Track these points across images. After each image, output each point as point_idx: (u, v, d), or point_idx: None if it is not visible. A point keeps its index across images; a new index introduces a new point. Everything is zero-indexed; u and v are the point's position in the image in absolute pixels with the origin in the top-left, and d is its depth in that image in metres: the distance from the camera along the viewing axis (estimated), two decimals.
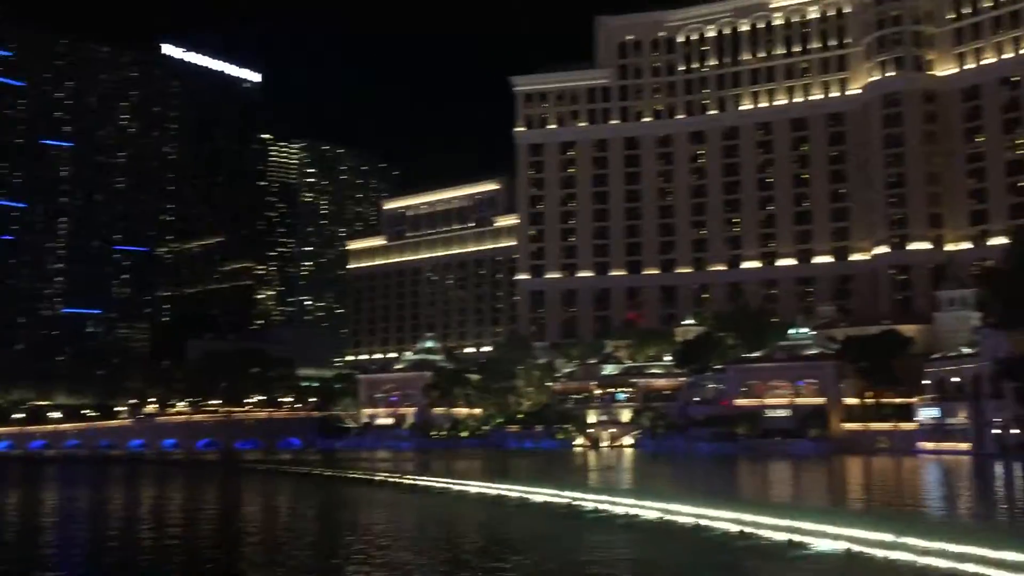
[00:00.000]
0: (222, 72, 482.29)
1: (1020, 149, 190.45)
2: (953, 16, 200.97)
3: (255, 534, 52.39)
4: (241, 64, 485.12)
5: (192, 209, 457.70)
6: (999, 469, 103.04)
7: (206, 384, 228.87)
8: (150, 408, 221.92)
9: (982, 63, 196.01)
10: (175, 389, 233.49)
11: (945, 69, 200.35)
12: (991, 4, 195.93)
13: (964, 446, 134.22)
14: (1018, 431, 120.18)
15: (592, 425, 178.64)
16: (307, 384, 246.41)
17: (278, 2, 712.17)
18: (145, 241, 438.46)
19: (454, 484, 74.10)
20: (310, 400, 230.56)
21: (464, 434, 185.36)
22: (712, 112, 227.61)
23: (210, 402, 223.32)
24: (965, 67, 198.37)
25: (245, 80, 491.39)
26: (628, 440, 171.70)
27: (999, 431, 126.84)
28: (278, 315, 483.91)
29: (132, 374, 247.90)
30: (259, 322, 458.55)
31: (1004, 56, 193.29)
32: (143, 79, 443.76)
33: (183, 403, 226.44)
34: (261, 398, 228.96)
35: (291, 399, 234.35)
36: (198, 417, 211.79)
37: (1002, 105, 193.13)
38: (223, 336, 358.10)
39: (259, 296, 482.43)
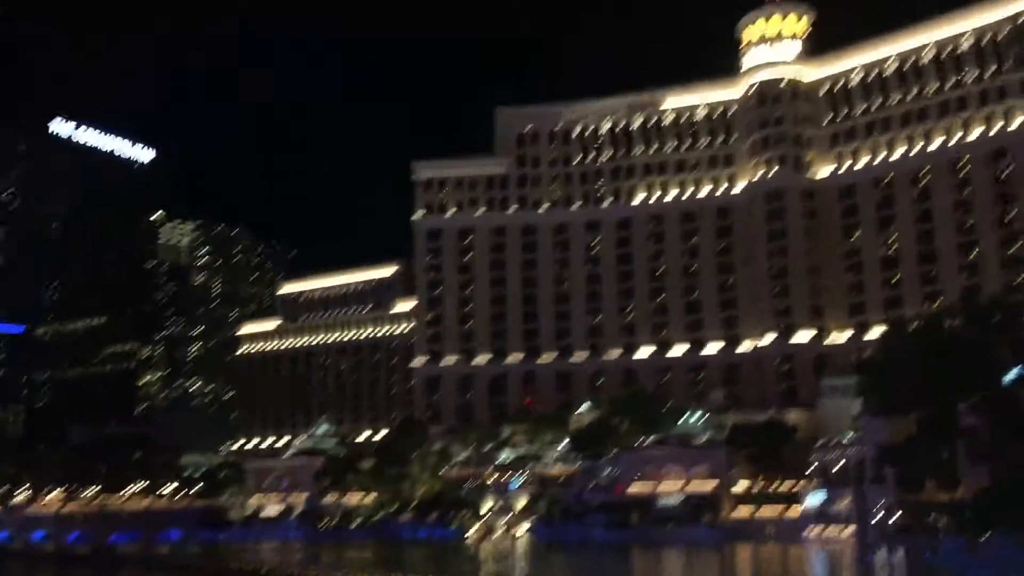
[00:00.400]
0: (115, 149, 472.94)
1: (892, 247, 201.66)
2: (830, 119, 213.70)
3: None
4: (135, 141, 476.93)
5: (76, 289, 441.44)
6: (881, 555, 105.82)
7: (85, 471, 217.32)
8: (21, 497, 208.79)
9: (857, 165, 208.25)
10: (51, 476, 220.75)
11: (823, 169, 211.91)
12: (863, 110, 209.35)
13: (848, 531, 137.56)
14: (899, 517, 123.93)
15: (487, 512, 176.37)
16: (192, 472, 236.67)
17: (175, 80, 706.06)
18: (23, 320, 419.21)
19: None
20: (194, 489, 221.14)
21: (356, 523, 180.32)
22: (607, 203, 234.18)
23: (87, 491, 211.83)
24: (842, 167, 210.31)
25: (138, 158, 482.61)
26: (523, 527, 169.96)
27: (881, 517, 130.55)
28: (164, 400, 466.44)
29: (4, 460, 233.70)
30: (143, 406, 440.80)
31: (876, 159, 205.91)
32: (30, 155, 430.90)
33: (58, 491, 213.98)
34: (143, 486, 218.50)
35: (174, 487, 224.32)
36: (72, 507, 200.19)
37: (876, 204, 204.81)
38: (105, 421, 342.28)
39: (144, 380, 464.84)
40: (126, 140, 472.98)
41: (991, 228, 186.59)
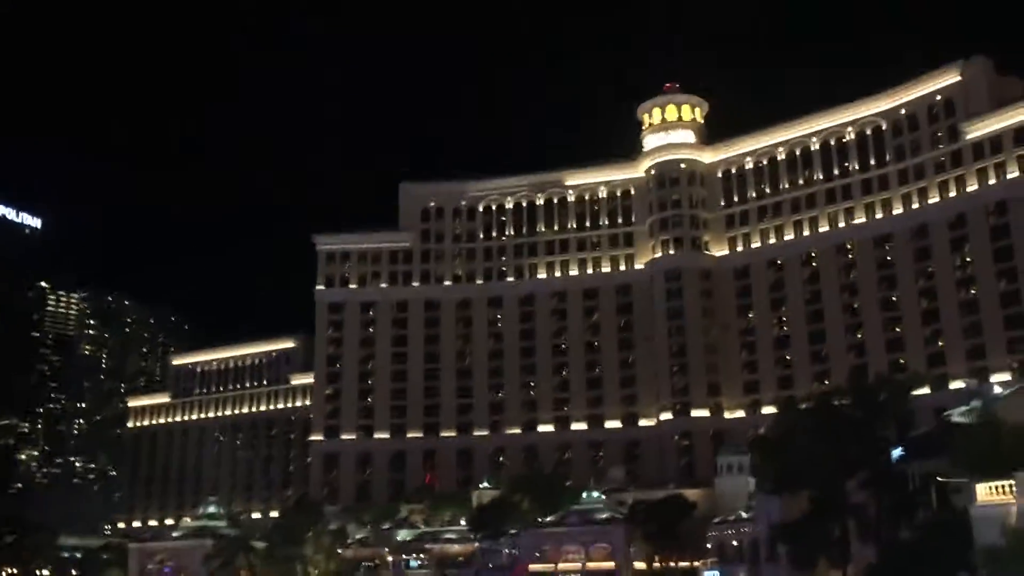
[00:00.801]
0: (2, 216, 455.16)
1: (784, 326, 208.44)
2: (724, 203, 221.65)
3: None
4: (23, 207, 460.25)
5: None
6: None
7: None
8: None
9: (751, 246, 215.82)
10: None
11: (719, 250, 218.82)
12: (755, 195, 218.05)
13: None
14: None
15: None
16: (70, 554, 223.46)
17: (64, 147, 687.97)
18: None
19: None
20: (72, 572, 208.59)
21: None
22: (510, 279, 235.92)
23: None
24: (736, 249, 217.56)
25: (26, 225, 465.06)
26: None
27: None
28: (42, 477, 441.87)
29: None
30: (18, 485, 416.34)
31: (769, 241, 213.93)
32: None
33: None
34: (12, 573, 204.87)
35: (47, 572, 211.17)
36: None
37: (769, 285, 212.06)
38: None
39: (21, 456, 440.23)
40: (11, 208, 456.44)
41: (875, 310, 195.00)
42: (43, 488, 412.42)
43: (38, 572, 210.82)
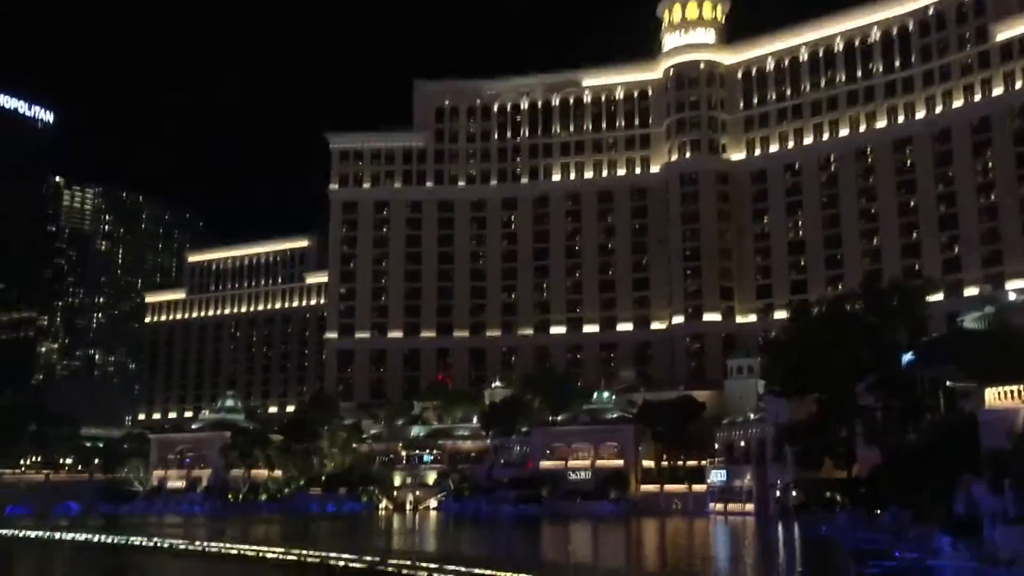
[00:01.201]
0: (14, 109, 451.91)
1: (800, 231, 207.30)
2: (744, 105, 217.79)
3: None
4: (36, 102, 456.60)
5: None
6: (779, 530, 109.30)
7: None
8: None
9: (769, 150, 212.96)
10: None
11: (737, 153, 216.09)
12: (775, 97, 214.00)
13: (750, 507, 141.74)
14: (797, 494, 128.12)
15: (398, 487, 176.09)
16: (92, 444, 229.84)
17: (79, 40, 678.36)
18: None
19: (249, 550, 70.58)
20: (95, 461, 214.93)
21: (263, 497, 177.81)
22: (524, 180, 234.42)
23: None
24: (754, 152, 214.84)
25: (39, 119, 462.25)
26: (432, 503, 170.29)
27: (780, 493, 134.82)
28: (62, 369, 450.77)
29: None
30: (40, 376, 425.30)
31: (787, 145, 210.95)
32: None
33: None
34: (37, 459, 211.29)
35: (72, 460, 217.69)
36: None
37: (785, 189, 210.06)
38: None
39: (41, 349, 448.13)
40: (23, 101, 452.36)
41: (893, 215, 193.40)
42: (64, 380, 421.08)
43: (61, 460, 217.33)
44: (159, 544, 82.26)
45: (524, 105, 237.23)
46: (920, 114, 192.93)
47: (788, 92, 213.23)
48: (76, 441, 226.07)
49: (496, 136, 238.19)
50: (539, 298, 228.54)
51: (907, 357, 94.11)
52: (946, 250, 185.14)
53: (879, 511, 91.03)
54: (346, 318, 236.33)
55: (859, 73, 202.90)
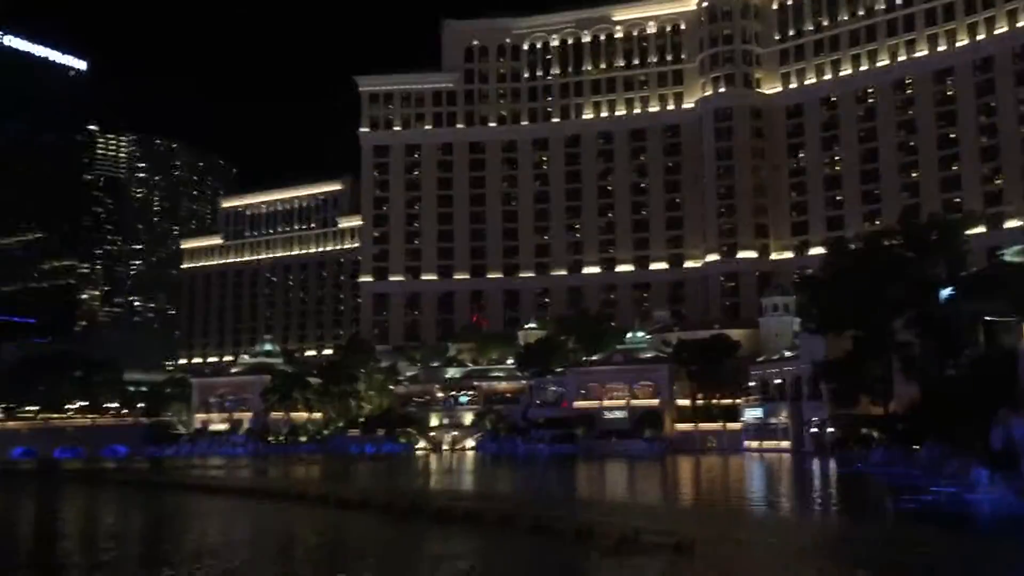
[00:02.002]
0: (45, 57, 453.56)
1: (836, 166, 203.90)
2: (779, 38, 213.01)
3: (74, 551, 49.23)
4: (68, 50, 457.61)
5: (8, 203, 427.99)
6: (815, 466, 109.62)
7: (22, 389, 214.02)
8: None
9: (804, 83, 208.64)
10: None
11: (772, 87, 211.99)
12: (812, 28, 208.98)
13: (785, 444, 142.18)
14: (833, 430, 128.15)
15: (434, 428, 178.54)
16: (135, 389, 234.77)
17: None
18: None
19: (292, 489, 72.21)
20: (138, 405, 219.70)
21: (303, 439, 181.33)
22: (555, 120, 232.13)
23: (27, 408, 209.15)
24: (790, 86, 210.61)
25: (71, 67, 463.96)
26: (470, 443, 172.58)
27: (816, 430, 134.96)
28: (104, 316, 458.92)
29: None
30: (83, 323, 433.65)
31: (824, 78, 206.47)
32: None
33: None
34: (84, 404, 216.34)
35: (117, 404, 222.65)
36: (12, 424, 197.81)
37: (822, 123, 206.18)
38: (43, 338, 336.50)
39: (83, 296, 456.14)
40: (55, 49, 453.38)
41: (932, 148, 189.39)
42: (106, 326, 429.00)
43: (106, 405, 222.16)
44: (205, 484, 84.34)
45: (554, 43, 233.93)
46: (962, 42, 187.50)
47: (825, 23, 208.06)
48: (120, 386, 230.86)
49: (526, 75, 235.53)
50: (572, 238, 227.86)
51: (946, 292, 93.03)
52: (987, 183, 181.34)
53: (916, 447, 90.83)
54: (380, 261, 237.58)
55: (899, 1, 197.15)
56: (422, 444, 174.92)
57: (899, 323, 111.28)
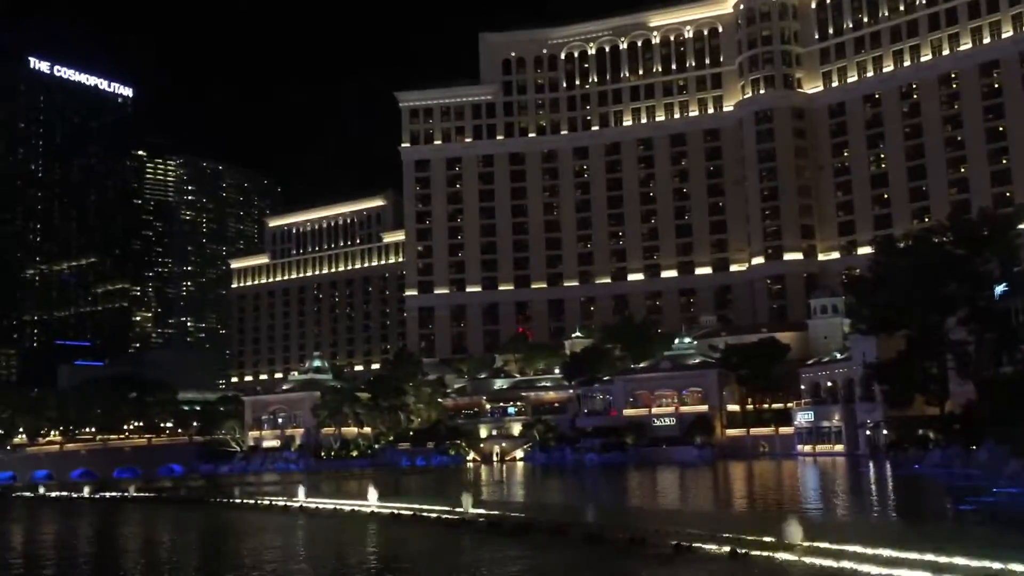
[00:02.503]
0: (94, 87, 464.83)
1: (882, 164, 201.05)
2: (819, 37, 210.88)
3: (136, 568, 50.26)
4: (114, 78, 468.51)
5: (62, 229, 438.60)
6: (871, 469, 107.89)
7: (80, 411, 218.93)
8: (20, 438, 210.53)
9: (847, 81, 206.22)
10: (46, 418, 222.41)
11: (813, 87, 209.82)
12: (852, 26, 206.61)
13: (839, 447, 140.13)
14: (887, 432, 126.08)
15: (483, 440, 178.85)
16: (189, 408, 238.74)
17: (155, 14, 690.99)
18: (10, 264, 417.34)
19: (347, 504, 72.91)
20: (192, 424, 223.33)
21: (354, 453, 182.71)
22: (595, 128, 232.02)
23: (84, 430, 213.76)
24: (831, 85, 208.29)
25: (118, 95, 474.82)
26: (519, 454, 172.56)
27: (870, 432, 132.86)
28: (156, 338, 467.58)
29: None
30: (136, 345, 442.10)
31: (866, 75, 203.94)
32: (8, 94, 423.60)
33: (55, 432, 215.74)
34: (139, 424, 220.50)
35: (171, 424, 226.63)
36: (72, 446, 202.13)
37: (865, 121, 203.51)
38: (98, 361, 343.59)
39: (136, 318, 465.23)
40: (105, 79, 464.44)
41: (980, 142, 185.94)
42: (158, 348, 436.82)
43: (161, 424, 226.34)
44: (260, 501, 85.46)
45: (591, 51, 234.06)
46: (1007, 33, 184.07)
47: (865, 19, 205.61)
48: (174, 406, 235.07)
49: (564, 85, 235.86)
50: (615, 246, 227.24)
51: (1000, 288, 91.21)
52: None
53: (974, 447, 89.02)
54: (424, 275, 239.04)
55: None
56: (472, 456, 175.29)
57: (952, 321, 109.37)
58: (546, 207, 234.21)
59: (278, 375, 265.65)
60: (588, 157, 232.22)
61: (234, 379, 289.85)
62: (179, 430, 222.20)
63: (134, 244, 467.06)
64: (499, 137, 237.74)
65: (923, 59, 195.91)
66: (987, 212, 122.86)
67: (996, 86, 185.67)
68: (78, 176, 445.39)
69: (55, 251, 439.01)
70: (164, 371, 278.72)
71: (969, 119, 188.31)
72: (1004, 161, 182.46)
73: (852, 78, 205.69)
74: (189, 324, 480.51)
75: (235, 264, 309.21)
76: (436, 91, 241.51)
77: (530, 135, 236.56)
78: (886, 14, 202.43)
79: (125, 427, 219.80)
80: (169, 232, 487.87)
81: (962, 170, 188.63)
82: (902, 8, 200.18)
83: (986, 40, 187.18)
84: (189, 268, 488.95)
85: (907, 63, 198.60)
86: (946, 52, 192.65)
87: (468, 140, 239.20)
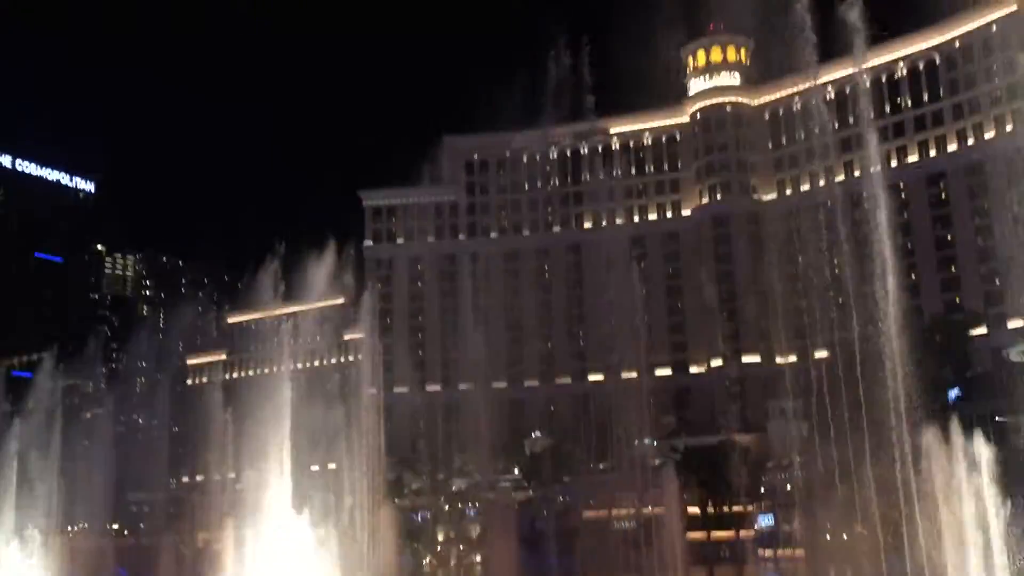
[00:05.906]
0: (55, 181, 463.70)
1: (837, 269, 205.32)
2: (772, 145, 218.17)
3: None
4: (75, 173, 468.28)
5: (13, 324, 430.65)
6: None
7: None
8: None
9: (800, 189, 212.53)
10: None
11: (768, 194, 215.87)
12: (803, 136, 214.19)
13: (800, 552, 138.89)
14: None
15: (441, 543, 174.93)
16: (137, 509, 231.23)
17: (117, 111, 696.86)
18: None
19: None
20: (140, 526, 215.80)
21: None
22: (556, 229, 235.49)
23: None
24: (785, 192, 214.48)
25: (80, 189, 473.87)
26: (478, 557, 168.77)
27: (831, 537, 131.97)
28: (106, 435, 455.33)
29: None
30: (85, 443, 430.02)
31: (818, 183, 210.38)
32: None
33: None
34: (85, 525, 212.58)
35: (117, 526, 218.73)
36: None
37: (818, 228, 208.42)
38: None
39: (87, 415, 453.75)
40: (64, 173, 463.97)
41: (931, 249, 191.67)
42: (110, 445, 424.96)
43: (107, 526, 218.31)
44: None
45: (553, 155, 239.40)
46: (951, 147, 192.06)
47: (816, 130, 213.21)
48: (123, 507, 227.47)
49: (527, 187, 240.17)
50: (576, 347, 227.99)
51: (953, 393, 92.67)
52: (987, 282, 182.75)
53: None
54: (385, 373, 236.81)
55: (887, 109, 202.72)
56: (428, 559, 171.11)
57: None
58: (507, 307, 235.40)
59: (230, 475, 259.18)
60: (549, 257, 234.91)
61: (186, 479, 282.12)
62: (125, 532, 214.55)
63: (89, 340, 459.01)
64: (461, 237, 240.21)
65: (872, 170, 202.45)
66: (939, 318, 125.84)
67: (943, 196, 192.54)
68: (33, 271, 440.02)
69: (6, 347, 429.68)
70: (115, 469, 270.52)
71: (918, 228, 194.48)
72: (952, 269, 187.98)
73: (804, 186, 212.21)
74: (141, 421, 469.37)
75: (192, 360, 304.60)
76: (400, 190, 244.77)
77: (492, 235, 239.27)
78: (835, 126, 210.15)
79: (70, 528, 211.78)
80: (125, 327, 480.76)
81: (912, 276, 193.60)
82: (850, 121, 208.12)
83: (932, 152, 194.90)
84: (144, 364, 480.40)
85: (856, 173, 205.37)
86: (894, 164, 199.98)
87: (431, 239, 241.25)
